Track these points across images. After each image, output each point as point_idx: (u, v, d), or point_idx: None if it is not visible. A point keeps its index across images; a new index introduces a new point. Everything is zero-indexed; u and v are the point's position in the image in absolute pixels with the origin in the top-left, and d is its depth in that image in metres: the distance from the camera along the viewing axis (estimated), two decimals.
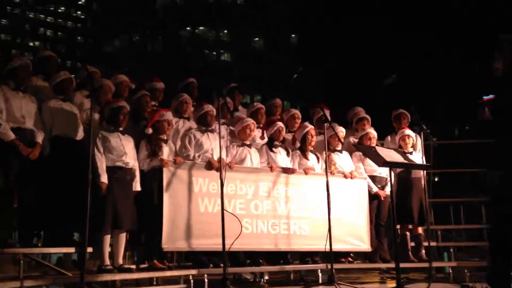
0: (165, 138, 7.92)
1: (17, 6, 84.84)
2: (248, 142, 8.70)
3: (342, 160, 9.31)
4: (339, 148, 9.35)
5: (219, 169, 7.35)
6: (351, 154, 9.50)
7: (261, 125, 9.28)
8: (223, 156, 7.58)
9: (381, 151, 7.34)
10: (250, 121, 8.71)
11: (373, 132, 9.35)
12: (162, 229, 7.53)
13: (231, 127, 8.82)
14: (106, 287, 7.35)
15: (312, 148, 9.12)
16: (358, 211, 9.03)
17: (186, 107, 8.57)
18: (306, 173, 8.82)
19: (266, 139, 9.08)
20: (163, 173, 7.68)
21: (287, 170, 8.65)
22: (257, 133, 9.19)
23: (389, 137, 9.79)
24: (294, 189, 8.63)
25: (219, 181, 7.27)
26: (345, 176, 9.06)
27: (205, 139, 8.11)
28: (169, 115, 7.93)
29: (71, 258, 8.17)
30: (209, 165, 7.99)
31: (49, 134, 7.25)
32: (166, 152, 7.88)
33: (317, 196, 8.51)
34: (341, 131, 9.20)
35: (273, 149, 8.81)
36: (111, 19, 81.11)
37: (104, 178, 7.20)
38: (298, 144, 9.21)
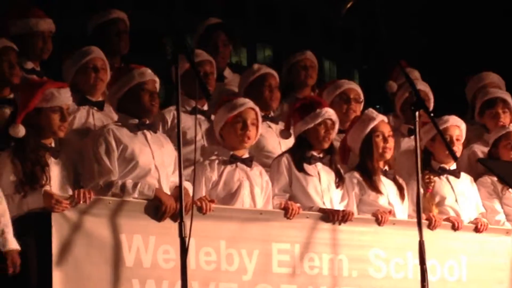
0: (52, 145, 5.76)
1: None
2: (245, 154, 6.17)
3: (458, 191, 6.80)
4: (452, 166, 6.78)
5: (178, 215, 5.18)
6: (476, 179, 7.01)
7: (272, 114, 6.76)
8: (186, 185, 5.37)
9: None
10: (249, 105, 6.14)
11: None
12: None
13: (207, 117, 6.52)
14: None
15: (387, 168, 6.51)
16: None
17: (98, 78, 6.03)
18: (379, 221, 6.27)
19: (287, 145, 6.54)
20: (51, 225, 5.40)
21: (333, 215, 6.12)
22: (267, 130, 6.63)
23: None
24: (349, 256, 6.23)
25: (179, 241, 5.07)
26: (455, 226, 6.52)
27: (143, 145, 5.79)
28: (64, 96, 5.68)
29: None
30: (156, 206, 5.66)
31: None
32: (56, 176, 5.68)
33: (401, 272, 6.27)
34: (458, 126, 6.71)
35: (305, 166, 6.24)
36: None
37: None
38: (355, 159, 6.63)
